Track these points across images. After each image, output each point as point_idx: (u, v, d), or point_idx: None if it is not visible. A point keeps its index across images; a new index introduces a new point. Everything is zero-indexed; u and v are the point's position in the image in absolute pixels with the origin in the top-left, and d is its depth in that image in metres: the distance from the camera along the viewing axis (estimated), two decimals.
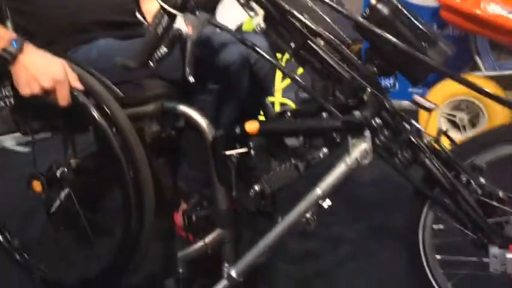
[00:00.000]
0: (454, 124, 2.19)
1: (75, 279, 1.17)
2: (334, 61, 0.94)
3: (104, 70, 1.04)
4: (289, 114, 1.21)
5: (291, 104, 2.38)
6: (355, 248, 1.40)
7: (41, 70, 0.93)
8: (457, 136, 2.16)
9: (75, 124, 1.14)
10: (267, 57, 0.93)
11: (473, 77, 2.17)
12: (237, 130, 0.97)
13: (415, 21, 0.91)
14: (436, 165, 0.87)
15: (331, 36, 0.93)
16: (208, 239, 1.01)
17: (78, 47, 1.13)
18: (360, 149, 0.86)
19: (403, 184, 0.95)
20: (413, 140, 0.89)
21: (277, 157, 1.27)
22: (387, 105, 0.90)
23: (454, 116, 2.17)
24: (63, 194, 1.23)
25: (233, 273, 0.93)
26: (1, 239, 1.27)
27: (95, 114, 0.98)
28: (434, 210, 0.93)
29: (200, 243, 1.00)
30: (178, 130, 1.13)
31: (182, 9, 0.81)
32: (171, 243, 1.31)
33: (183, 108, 1.03)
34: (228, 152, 0.96)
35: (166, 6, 0.79)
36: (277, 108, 2.39)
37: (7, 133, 2.54)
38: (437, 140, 0.90)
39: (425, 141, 0.90)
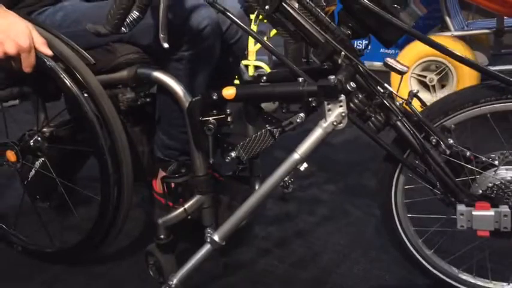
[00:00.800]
0: (424, 85, 2.24)
1: (57, 249, 1.18)
2: (308, 24, 0.94)
3: (71, 34, 1.01)
4: (264, 78, 1.22)
5: (265, 67, 2.37)
6: (331, 208, 1.44)
7: (6, 34, 0.90)
8: (427, 97, 2.21)
9: (46, 92, 1.11)
10: (239, 22, 0.93)
11: (442, 37, 2.20)
12: (214, 96, 0.97)
13: None
14: (408, 128, 0.89)
15: None
16: (188, 205, 1.02)
17: (43, 9, 1.08)
18: (335, 113, 0.87)
19: (373, 144, 0.97)
20: (386, 103, 0.91)
21: (253, 123, 1.28)
22: (361, 69, 0.92)
23: (424, 77, 2.21)
24: (38, 163, 1.21)
25: (216, 238, 0.95)
26: None
27: (67, 81, 0.96)
28: (406, 172, 0.96)
29: (180, 210, 1.02)
30: (153, 97, 1.12)
31: None
32: (150, 209, 1.32)
33: (158, 74, 1.01)
34: (205, 118, 0.97)
35: None
36: (251, 72, 2.37)
37: None
38: (408, 103, 0.92)
39: (397, 104, 0.93)
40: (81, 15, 1.04)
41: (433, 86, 2.21)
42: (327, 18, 0.94)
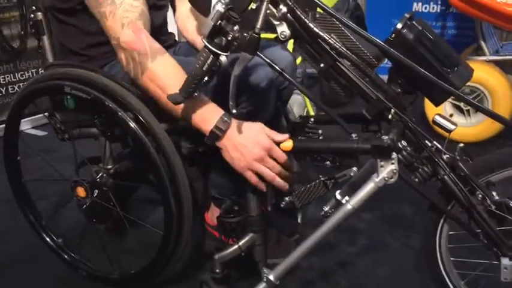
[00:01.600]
0: (459, 109, 2.27)
1: (119, 274, 1.28)
2: (360, 82, 1.01)
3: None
4: (312, 120, 1.30)
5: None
6: (369, 238, 1.50)
7: (251, 140, 0.96)
8: (462, 121, 2.24)
9: (113, 134, 1.21)
10: (294, 82, 1.01)
11: (478, 63, 2.23)
12: None
13: (439, 46, 0.97)
14: (454, 182, 0.96)
15: (358, 60, 0.99)
16: (242, 242, 1.10)
17: (116, 62, 1.18)
18: (387, 169, 0.94)
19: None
20: (433, 157, 0.98)
21: (298, 160, 1.36)
22: (410, 125, 0.99)
23: (459, 101, 2.25)
24: (96, 192, 1.32)
25: (272, 278, 1.04)
26: (49, 241, 1.36)
27: (137, 131, 1.05)
28: (450, 220, 1.03)
29: (235, 247, 1.10)
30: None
31: (226, 50, 0.87)
32: (202, 240, 1.41)
33: None
34: None
35: (212, 48, 0.85)
36: None
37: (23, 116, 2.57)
38: (455, 159, 0.98)
39: (444, 158, 0.99)
40: None
41: (468, 110, 2.25)
42: (378, 78, 1.01)
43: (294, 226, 1.36)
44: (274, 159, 0.98)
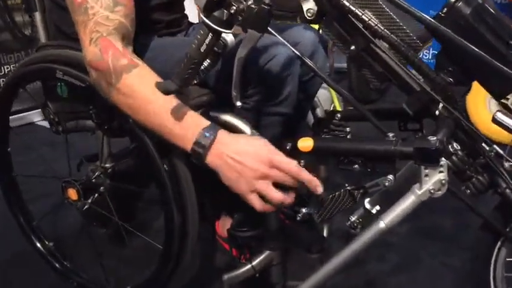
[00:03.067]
0: (506, 108, 2.03)
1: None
2: (401, 69, 0.82)
3: None
4: (338, 116, 1.12)
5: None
6: (402, 254, 1.33)
7: (248, 154, 0.75)
8: (508, 120, 2.00)
9: (112, 129, 1.06)
10: (318, 72, 0.82)
11: None
12: (288, 146, 0.87)
13: (503, 23, 0.78)
14: None
15: (399, 41, 0.80)
16: (256, 261, 0.94)
17: None
18: (433, 179, 0.75)
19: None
20: (492, 164, 0.79)
21: (324, 163, 1.18)
22: (463, 123, 0.80)
23: (507, 99, 2.01)
24: (95, 195, 1.17)
25: None
26: (38, 245, 1.22)
27: (138, 130, 0.89)
28: (509, 244, 0.83)
29: (247, 267, 0.94)
30: None
31: (228, 26, 0.69)
32: (211, 253, 1.25)
33: (228, 117, 0.93)
34: None
35: (210, 24, 0.68)
36: None
37: (35, 108, 2.47)
38: None
39: (506, 166, 0.80)
40: (157, 52, 0.97)
41: None
42: (424, 63, 0.82)
43: (319, 241, 1.18)
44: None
